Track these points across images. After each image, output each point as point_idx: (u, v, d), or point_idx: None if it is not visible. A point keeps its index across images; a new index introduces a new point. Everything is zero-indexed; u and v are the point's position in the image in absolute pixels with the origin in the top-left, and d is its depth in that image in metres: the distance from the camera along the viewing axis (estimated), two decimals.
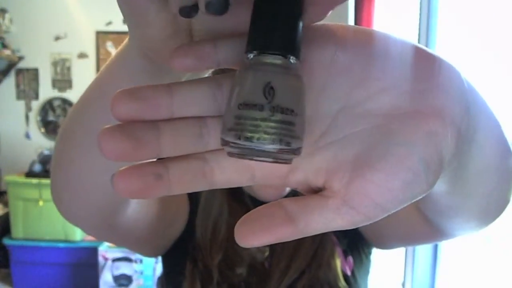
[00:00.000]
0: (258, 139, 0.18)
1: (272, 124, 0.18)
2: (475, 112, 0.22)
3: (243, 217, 0.20)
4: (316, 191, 0.21)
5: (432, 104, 0.20)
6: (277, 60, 0.19)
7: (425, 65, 0.21)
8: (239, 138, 0.18)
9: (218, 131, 0.20)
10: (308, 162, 0.21)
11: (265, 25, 0.19)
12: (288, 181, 0.22)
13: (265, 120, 0.18)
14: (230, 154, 0.19)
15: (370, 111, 0.20)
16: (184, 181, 0.20)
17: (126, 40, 0.27)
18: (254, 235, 0.20)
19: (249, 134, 0.18)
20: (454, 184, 0.27)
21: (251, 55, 0.19)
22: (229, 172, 0.21)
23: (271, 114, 0.18)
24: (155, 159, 0.20)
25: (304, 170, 0.21)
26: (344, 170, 0.20)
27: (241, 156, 0.19)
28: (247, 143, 0.18)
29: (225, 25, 0.21)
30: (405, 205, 0.20)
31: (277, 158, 0.19)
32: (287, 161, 0.20)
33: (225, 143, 0.19)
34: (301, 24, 0.19)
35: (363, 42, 0.21)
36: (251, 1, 0.19)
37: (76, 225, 0.42)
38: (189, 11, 0.18)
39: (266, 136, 0.18)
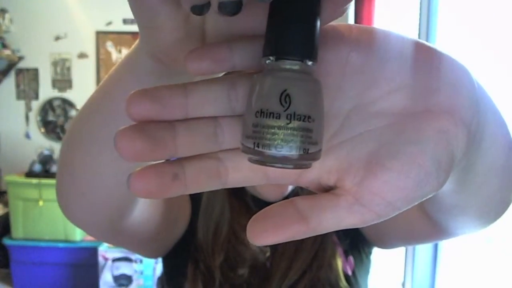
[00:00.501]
0: (276, 147, 0.18)
1: (290, 132, 0.18)
2: (483, 111, 0.23)
3: (255, 215, 0.21)
4: (327, 189, 0.21)
5: (443, 102, 0.20)
6: (295, 65, 0.19)
7: (435, 64, 0.21)
8: (258, 146, 0.19)
9: (232, 131, 0.20)
10: (320, 161, 0.21)
11: (282, 29, 0.18)
12: (300, 180, 0.22)
13: (282, 128, 0.18)
14: (251, 160, 0.20)
15: (382, 110, 0.20)
16: (200, 181, 0.20)
17: (136, 43, 0.27)
18: (267, 233, 0.20)
19: (267, 142, 0.18)
20: (461, 183, 0.27)
21: (268, 60, 0.19)
22: (244, 172, 0.21)
23: (288, 122, 0.18)
24: (168, 159, 0.20)
25: (316, 169, 0.21)
26: (356, 169, 0.20)
27: (261, 162, 0.19)
28: (266, 151, 0.18)
29: (239, 27, 0.21)
30: (416, 203, 0.20)
31: (296, 164, 0.19)
32: (306, 166, 0.20)
33: (245, 149, 0.19)
34: (318, 25, 0.19)
35: (375, 41, 0.21)
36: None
37: (81, 228, 0.42)
38: (201, 9, 0.18)
39: (284, 144, 0.18)
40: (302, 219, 0.20)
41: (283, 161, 0.19)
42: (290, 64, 0.19)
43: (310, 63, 0.19)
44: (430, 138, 0.19)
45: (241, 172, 0.21)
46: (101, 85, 0.32)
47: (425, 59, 0.21)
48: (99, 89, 0.32)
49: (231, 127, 0.20)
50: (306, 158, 0.19)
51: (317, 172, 0.22)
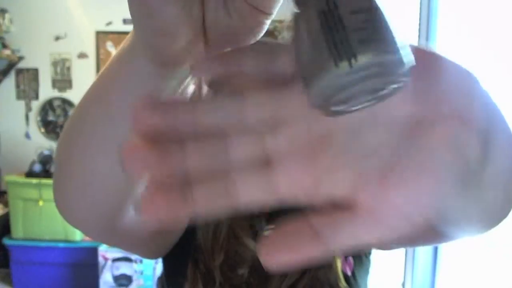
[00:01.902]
0: (366, 58, 0.15)
1: (376, 40, 0.15)
2: (492, 117, 0.23)
3: (267, 235, 0.20)
4: (341, 206, 0.20)
5: (456, 109, 0.20)
6: None
7: (446, 72, 0.20)
8: (348, 64, 0.15)
9: (243, 148, 0.20)
10: (333, 176, 0.20)
11: None
12: (314, 197, 0.21)
13: (356, 30, 0.15)
14: (334, 108, 0.17)
15: (393, 118, 0.20)
16: (208, 203, 0.20)
17: (126, 44, 0.27)
18: (281, 254, 0.19)
19: (360, 55, 0.15)
20: (467, 189, 0.27)
21: None
22: (254, 191, 0.20)
23: (362, 32, 0.15)
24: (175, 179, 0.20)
25: (329, 183, 0.20)
26: (370, 183, 0.19)
27: (348, 98, 0.16)
28: (360, 62, 0.15)
29: (240, 23, 0.21)
30: (433, 216, 0.19)
31: (391, 75, 0.16)
32: (403, 78, 0.16)
33: (321, 90, 0.16)
34: None
35: None
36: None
37: (79, 228, 0.42)
38: None
39: (366, 54, 0.15)
40: (317, 238, 0.19)
41: (378, 77, 0.16)
42: None
43: None
44: (442, 145, 0.19)
45: (253, 192, 0.20)
46: (94, 84, 0.32)
47: (436, 67, 0.20)
48: (92, 89, 0.32)
49: (242, 143, 0.20)
50: (396, 63, 0.16)
51: (331, 187, 0.20)
